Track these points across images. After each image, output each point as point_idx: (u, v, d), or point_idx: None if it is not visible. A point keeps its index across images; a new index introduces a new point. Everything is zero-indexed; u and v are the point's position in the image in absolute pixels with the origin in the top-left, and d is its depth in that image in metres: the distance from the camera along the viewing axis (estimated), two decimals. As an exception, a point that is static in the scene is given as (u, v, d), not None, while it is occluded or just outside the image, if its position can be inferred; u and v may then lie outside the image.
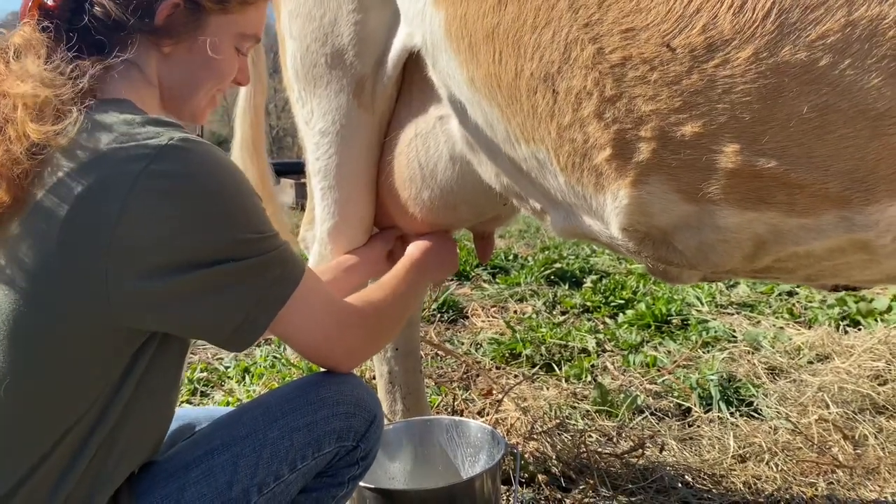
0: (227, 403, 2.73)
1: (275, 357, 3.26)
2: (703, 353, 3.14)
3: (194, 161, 1.01)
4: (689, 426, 2.46)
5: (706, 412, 2.53)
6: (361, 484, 1.51)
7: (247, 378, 3.07)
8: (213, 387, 3.01)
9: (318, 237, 1.82)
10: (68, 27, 1.11)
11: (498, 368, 3.11)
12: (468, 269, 4.86)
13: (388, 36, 1.59)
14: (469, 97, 1.34)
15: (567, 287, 4.47)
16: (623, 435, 2.41)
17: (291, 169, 9.93)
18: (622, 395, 2.64)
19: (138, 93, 1.13)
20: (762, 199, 0.97)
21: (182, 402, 2.78)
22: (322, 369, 1.26)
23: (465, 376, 2.99)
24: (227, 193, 1.03)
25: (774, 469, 2.12)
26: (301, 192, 9.60)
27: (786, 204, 0.96)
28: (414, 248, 1.67)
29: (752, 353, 3.05)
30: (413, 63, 1.59)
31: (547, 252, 5.39)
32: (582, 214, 1.28)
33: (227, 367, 3.21)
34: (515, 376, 2.98)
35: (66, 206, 0.96)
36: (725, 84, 0.90)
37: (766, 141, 0.91)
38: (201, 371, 3.15)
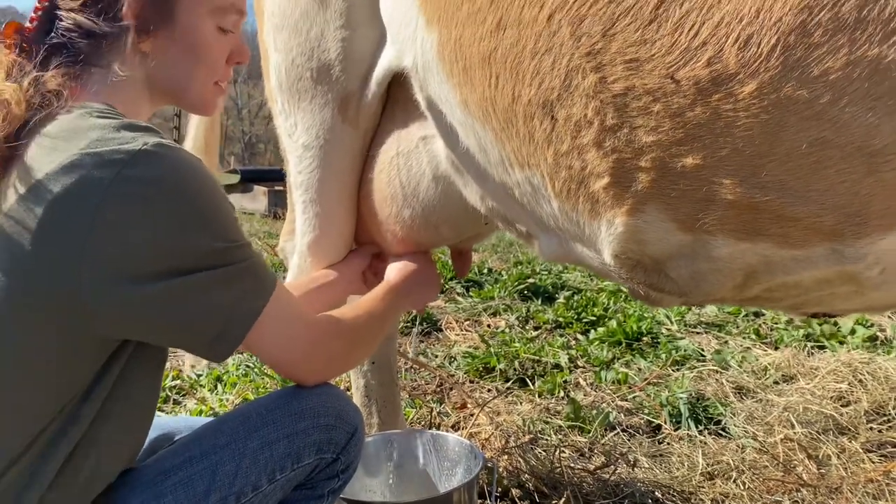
0: (200, 412, 2.69)
1: (247, 366, 3.22)
2: (673, 371, 3.18)
3: (168, 166, 0.99)
4: (660, 443, 2.50)
5: (676, 430, 2.57)
6: (340, 496, 1.50)
7: (219, 387, 3.03)
8: (185, 395, 2.97)
9: (297, 249, 1.81)
10: (42, 44, 1.09)
11: (472, 382, 3.12)
12: (442, 281, 4.86)
13: (374, 54, 1.58)
14: (462, 120, 1.33)
15: (540, 302, 4.50)
16: (595, 450, 2.44)
17: (264, 176, 9.83)
18: (594, 412, 2.67)
19: (122, 95, 1.11)
20: (757, 230, 0.99)
21: (153, 410, 2.74)
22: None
23: (438, 389, 3.00)
24: (201, 200, 1.01)
25: (741, 487, 2.16)
26: (274, 200, 9.49)
27: (779, 236, 0.98)
28: (394, 273, 1.65)
29: (721, 373, 3.09)
30: (398, 82, 1.58)
31: (520, 267, 5.42)
32: (574, 240, 1.28)
33: (199, 375, 3.16)
34: (489, 390, 2.99)
35: (38, 212, 0.94)
36: (728, 117, 0.92)
37: (765, 175, 0.92)
38: (174, 379, 3.09)
